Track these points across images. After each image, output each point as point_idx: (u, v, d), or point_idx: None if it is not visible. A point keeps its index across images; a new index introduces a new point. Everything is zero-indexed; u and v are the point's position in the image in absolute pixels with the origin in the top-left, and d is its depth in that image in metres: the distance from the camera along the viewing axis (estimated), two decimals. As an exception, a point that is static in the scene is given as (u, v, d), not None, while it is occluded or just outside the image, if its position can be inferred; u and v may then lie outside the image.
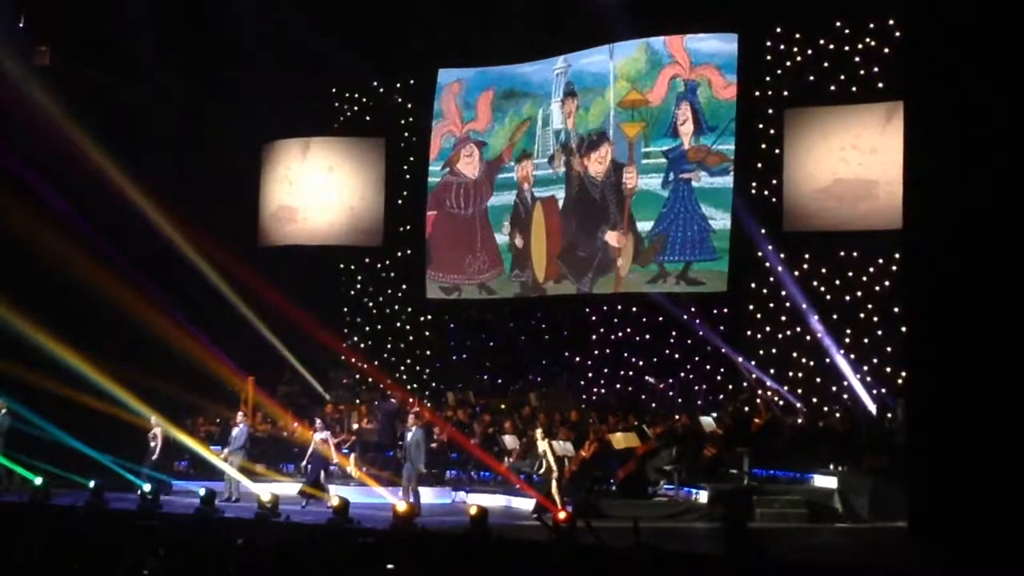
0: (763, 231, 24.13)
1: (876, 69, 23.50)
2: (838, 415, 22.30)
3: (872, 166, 23.25)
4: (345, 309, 29.25)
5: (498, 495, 21.71)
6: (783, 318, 24.28)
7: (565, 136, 26.50)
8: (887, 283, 23.12)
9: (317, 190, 28.99)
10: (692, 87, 24.82)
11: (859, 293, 23.56)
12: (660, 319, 25.65)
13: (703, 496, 20.19)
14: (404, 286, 28.84)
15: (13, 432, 23.02)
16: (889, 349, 22.73)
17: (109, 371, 22.91)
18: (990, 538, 15.06)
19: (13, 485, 22.49)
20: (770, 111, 24.62)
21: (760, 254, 24.18)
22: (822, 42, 24.16)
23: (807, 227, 24.01)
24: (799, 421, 22.25)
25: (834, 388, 23.45)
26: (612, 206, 25.51)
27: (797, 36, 24.48)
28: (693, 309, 24.74)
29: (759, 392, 23.17)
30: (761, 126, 24.68)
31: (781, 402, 23.37)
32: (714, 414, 22.00)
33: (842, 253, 23.79)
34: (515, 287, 27.18)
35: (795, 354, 24.14)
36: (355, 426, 24.10)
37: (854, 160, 23.49)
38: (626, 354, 25.98)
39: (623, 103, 25.50)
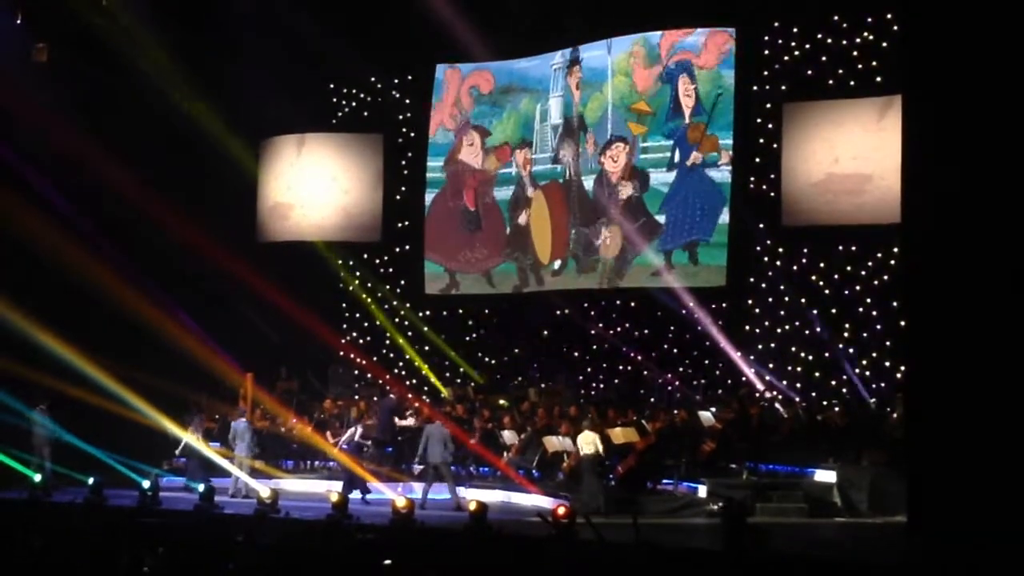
0: (761, 225, 24.15)
1: (874, 63, 23.50)
2: (837, 409, 22.30)
3: (866, 161, 23.25)
4: (344, 305, 29.23)
5: (497, 491, 21.71)
6: (782, 312, 24.29)
7: (569, 115, 26.41)
8: (885, 277, 23.13)
9: (314, 186, 28.94)
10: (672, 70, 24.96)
11: (858, 287, 23.57)
12: (659, 313, 25.65)
13: (702, 491, 20.21)
14: (403, 281, 28.83)
15: (21, 431, 22.93)
16: (888, 343, 22.75)
17: (108, 367, 22.91)
18: (989, 532, 15.07)
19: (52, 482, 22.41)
20: (768, 105, 24.61)
21: (759, 248, 24.19)
22: (820, 36, 24.17)
23: (804, 222, 24.00)
24: (799, 413, 22.22)
25: (833, 382, 23.46)
26: (610, 205, 25.61)
27: (795, 31, 24.48)
28: (692, 304, 24.75)
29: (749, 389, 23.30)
30: (759, 120, 24.68)
31: (780, 395, 23.41)
32: (713, 409, 22.02)
33: (840, 247, 23.79)
34: (512, 277, 27.12)
35: (794, 348, 24.15)
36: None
37: (848, 155, 23.49)
38: (625, 349, 25.97)
39: (632, 110, 25.50)
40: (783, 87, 24.54)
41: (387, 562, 12.07)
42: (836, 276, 23.81)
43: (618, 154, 25.63)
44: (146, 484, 20.19)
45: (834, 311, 23.61)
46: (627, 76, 25.65)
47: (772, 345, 24.40)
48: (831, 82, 23.99)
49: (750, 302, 24.74)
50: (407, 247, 28.70)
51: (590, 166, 26.06)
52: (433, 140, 28.34)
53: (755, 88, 24.69)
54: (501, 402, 25.28)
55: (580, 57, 26.28)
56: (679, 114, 24.96)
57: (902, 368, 21.07)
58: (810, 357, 23.93)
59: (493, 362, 27.87)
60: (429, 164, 28.25)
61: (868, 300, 23.40)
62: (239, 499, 21.35)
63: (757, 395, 22.95)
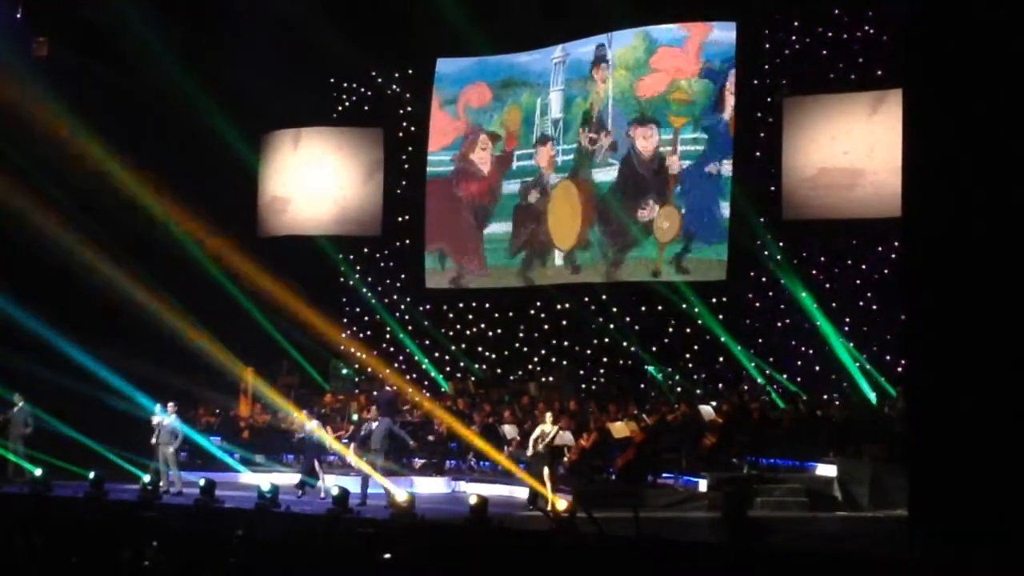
0: (761, 219, 24.13)
1: (875, 57, 23.47)
2: (837, 403, 22.31)
3: (859, 155, 23.24)
4: (344, 299, 29.26)
5: (498, 485, 21.72)
6: (782, 306, 24.29)
7: (591, 109, 26.18)
8: (886, 271, 23.13)
9: (311, 180, 28.92)
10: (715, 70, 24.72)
11: (858, 281, 23.57)
12: (659, 308, 25.65)
13: (703, 485, 20.22)
14: (403, 276, 28.84)
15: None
16: (889, 337, 22.75)
17: (110, 361, 22.95)
18: (990, 527, 15.07)
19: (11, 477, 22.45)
20: (768, 99, 24.58)
21: (759, 242, 24.18)
22: (820, 30, 24.14)
23: (804, 216, 23.98)
24: (799, 407, 22.21)
25: (833, 376, 23.46)
26: (656, 183, 25.13)
27: (795, 24, 24.45)
28: (692, 298, 24.75)
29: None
30: (759, 114, 24.65)
31: (780, 390, 23.42)
32: (713, 403, 22.02)
33: (841, 241, 23.79)
34: (512, 275, 27.08)
35: (794, 342, 24.15)
36: (355, 417, 24.09)
37: (841, 149, 23.47)
38: (625, 343, 25.97)
39: (670, 99, 25.22)
40: (783, 81, 24.50)
41: (387, 556, 12.09)
42: (836, 270, 23.81)
43: (650, 133, 25.31)
44: (147, 478, 20.20)
45: (834, 305, 23.60)
46: (628, 70, 25.58)
47: (773, 339, 24.40)
48: (832, 76, 23.96)
49: (750, 296, 24.73)
50: (407, 241, 28.69)
51: (600, 160, 25.93)
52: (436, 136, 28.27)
53: (755, 82, 24.65)
54: (504, 397, 25.27)
55: (607, 55, 26.00)
56: (720, 110, 24.59)
57: (903, 362, 21.07)
58: (811, 351, 23.92)
59: (493, 356, 27.88)
60: (430, 158, 28.18)
61: (868, 294, 23.41)
62: (173, 492, 21.11)
63: (758, 391, 22.92)
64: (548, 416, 20.43)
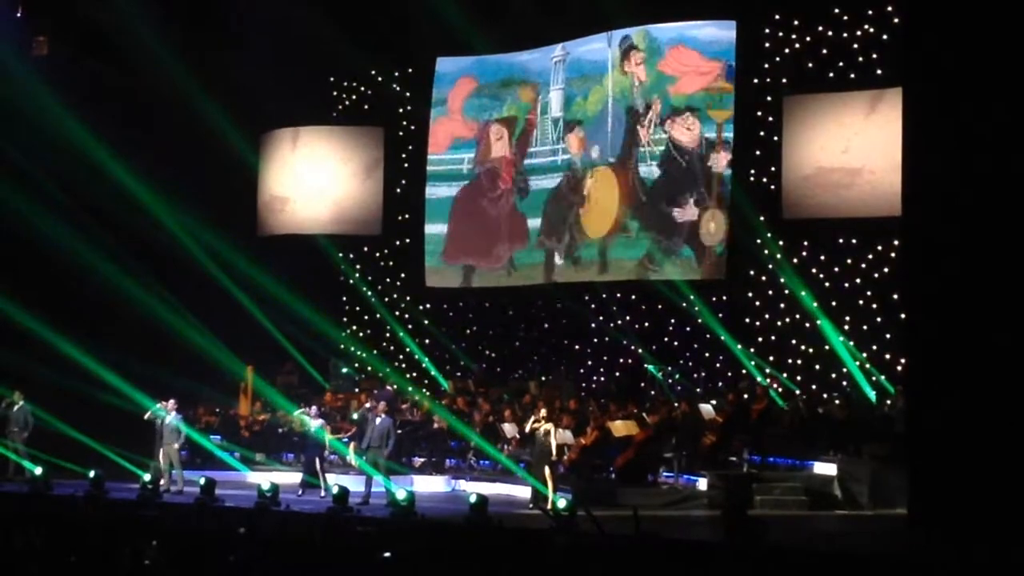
0: (761, 218, 24.10)
1: (875, 56, 23.47)
2: (837, 402, 22.30)
3: (856, 154, 23.22)
4: (344, 298, 29.26)
5: (498, 483, 21.73)
6: (782, 305, 24.27)
7: (630, 101, 25.84)
8: (886, 270, 23.12)
9: (309, 180, 28.92)
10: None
11: (858, 280, 23.55)
12: (659, 307, 25.65)
13: (703, 484, 20.23)
14: (403, 275, 28.84)
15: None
16: (888, 336, 22.74)
17: (109, 360, 22.96)
18: (990, 525, 15.09)
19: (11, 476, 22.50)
20: (768, 98, 24.57)
21: (759, 241, 24.16)
22: (820, 29, 24.12)
23: (803, 215, 23.96)
24: (799, 406, 22.20)
25: (833, 375, 23.46)
26: (700, 181, 24.65)
27: (796, 23, 24.43)
28: (692, 296, 24.74)
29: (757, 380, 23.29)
30: (759, 113, 24.63)
31: (780, 389, 23.41)
32: (713, 401, 22.02)
33: (840, 240, 23.78)
34: (537, 268, 26.89)
35: (794, 341, 24.14)
36: (355, 416, 24.07)
37: (839, 148, 23.45)
38: (625, 342, 25.96)
39: (710, 90, 24.86)
40: (783, 80, 24.48)
41: (387, 555, 12.08)
42: (836, 269, 23.79)
43: (693, 124, 25.10)
44: (147, 477, 20.20)
45: (834, 304, 23.58)
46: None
47: (772, 338, 24.39)
48: (831, 75, 23.94)
49: (750, 295, 24.72)
50: (407, 240, 28.69)
51: (641, 151, 25.51)
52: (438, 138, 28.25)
53: (755, 80, 24.64)
54: (504, 396, 25.27)
55: (633, 43, 25.59)
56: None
57: (903, 361, 21.08)
58: (810, 350, 23.91)
59: (494, 355, 27.88)
60: (431, 158, 28.15)
61: (868, 293, 23.38)
62: (174, 491, 21.19)
63: (758, 390, 22.93)
64: (543, 412, 20.39)
